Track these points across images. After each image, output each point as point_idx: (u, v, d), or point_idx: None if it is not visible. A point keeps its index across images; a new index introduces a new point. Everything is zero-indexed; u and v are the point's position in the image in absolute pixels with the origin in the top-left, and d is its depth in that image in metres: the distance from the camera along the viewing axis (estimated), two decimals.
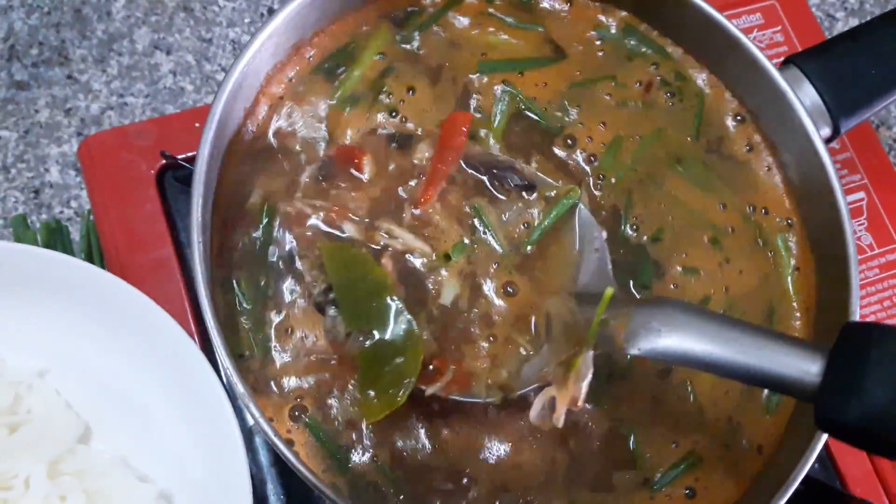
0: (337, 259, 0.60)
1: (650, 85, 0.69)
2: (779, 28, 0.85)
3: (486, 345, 0.61)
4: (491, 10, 0.69)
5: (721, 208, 0.67)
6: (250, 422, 0.71)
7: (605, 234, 0.64)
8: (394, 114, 0.66)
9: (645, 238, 0.66)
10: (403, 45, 0.68)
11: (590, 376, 0.55)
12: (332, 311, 0.60)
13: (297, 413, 0.60)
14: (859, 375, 0.48)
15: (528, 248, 0.63)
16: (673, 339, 0.53)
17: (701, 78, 0.70)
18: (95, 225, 0.77)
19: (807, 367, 0.50)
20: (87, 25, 0.96)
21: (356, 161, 0.63)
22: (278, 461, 0.70)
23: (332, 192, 0.63)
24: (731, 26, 0.65)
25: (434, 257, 0.62)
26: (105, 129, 0.87)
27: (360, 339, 0.59)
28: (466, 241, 0.63)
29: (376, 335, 0.58)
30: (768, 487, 0.57)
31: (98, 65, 0.94)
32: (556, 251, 0.63)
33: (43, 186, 0.89)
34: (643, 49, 0.70)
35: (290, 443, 0.58)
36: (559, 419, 0.56)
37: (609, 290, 0.57)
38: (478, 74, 0.68)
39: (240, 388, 0.54)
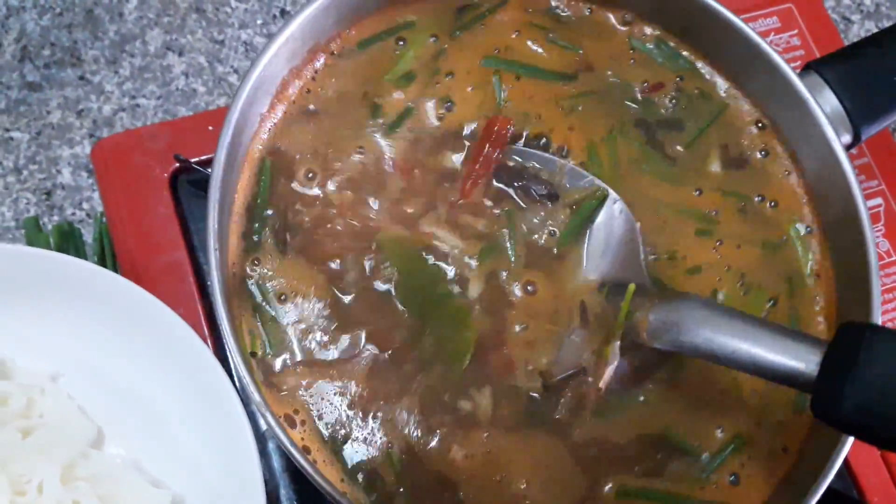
0: (396, 251, 0.63)
1: (658, 87, 0.69)
2: (796, 32, 0.84)
3: (523, 333, 0.62)
4: (535, 21, 0.69)
5: (697, 194, 0.67)
6: (263, 427, 0.71)
7: (639, 226, 0.65)
8: (447, 103, 0.67)
9: (663, 258, 0.66)
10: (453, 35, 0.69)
11: (616, 363, 0.60)
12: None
13: (312, 418, 0.59)
14: (849, 374, 0.50)
15: (560, 247, 0.64)
16: (690, 332, 0.56)
17: (724, 88, 0.69)
18: (108, 228, 0.77)
19: (807, 359, 0.53)
20: (100, 26, 0.96)
21: (406, 171, 0.65)
22: (291, 466, 0.70)
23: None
24: (751, 32, 0.64)
25: (465, 257, 0.63)
26: (118, 132, 0.87)
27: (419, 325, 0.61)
28: (497, 241, 0.64)
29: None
30: (794, 492, 0.58)
31: (110, 66, 0.94)
32: (586, 244, 0.65)
33: (55, 188, 0.88)
34: (674, 64, 0.70)
35: (305, 450, 0.58)
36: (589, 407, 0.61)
37: (631, 287, 0.60)
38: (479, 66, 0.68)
39: (256, 396, 0.54)
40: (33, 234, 0.80)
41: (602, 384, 0.60)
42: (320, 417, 0.59)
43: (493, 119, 0.66)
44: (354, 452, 0.59)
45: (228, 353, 0.56)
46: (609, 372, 0.60)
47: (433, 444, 0.60)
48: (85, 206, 0.88)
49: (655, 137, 0.68)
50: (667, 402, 0.63)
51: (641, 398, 0.62)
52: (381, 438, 0.60)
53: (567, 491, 0.61)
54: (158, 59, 0.95)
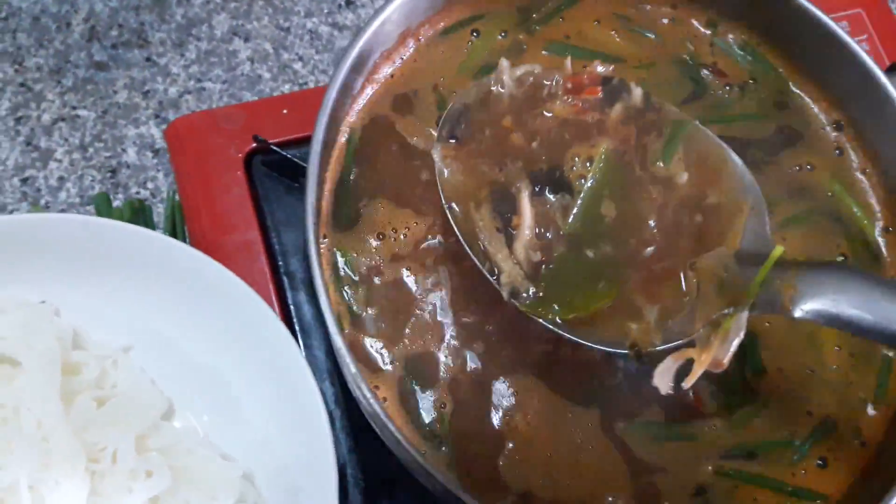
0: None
1: (721, 73, 0.69)
2: (865, 37, 0.84)
3: (630, 290, 0.58)
4: (619, 12, 0.70)
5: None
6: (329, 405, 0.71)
7: (760, 191, 0.60)
8: None
9: None
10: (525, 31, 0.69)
11: (741, 337, 0.53)
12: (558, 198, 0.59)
13: (396, 393, 0.59)
14: None
15: (661, 163, 0.61)
16: (844, 305, 0.52)
17: (801, 90, 0.70)
18: (181, 206, 0.78)
19: None
20: (167, 9, 0.97)
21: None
22: (358, 446, 0.70)
23: None
24: (842, 33, 0.65)
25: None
26: (193, 112, 0.87)
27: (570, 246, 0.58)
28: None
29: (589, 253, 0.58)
30: (874, 485, 0.58)
31: (176, 49, 0.95)
32: (714, 204, 0.61)
33: (120, 167, 0.89)
34: (754, 64, 0.70)
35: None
36: (690, 381, 0.53)
37: (779, 249, 0.54)
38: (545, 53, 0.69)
39: (352, 367, 0.54)
40: (104, 209, 0.81)
41: (725, 362, 0.52)
42: (403, 390, 0.59)
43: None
44: (435, 429, 0.59)
45: (331, 337, 0.56)
46: (732, 348, 0.52)
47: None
48: (149, 185, 0.88)
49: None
50: (750, 418, 0.62)
51: (714, 424, 0.61)
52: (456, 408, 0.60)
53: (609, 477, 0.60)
54: (224, 44, 0.96)
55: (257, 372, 0.69)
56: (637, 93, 0.62)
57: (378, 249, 0.63)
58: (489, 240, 0.58)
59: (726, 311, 0.54)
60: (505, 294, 0.57)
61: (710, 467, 0.60)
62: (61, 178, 0.88)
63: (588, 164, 0.60)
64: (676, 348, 0.54)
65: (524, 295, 0.57)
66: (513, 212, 0.59)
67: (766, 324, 0.63)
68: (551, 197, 0.60)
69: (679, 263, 0.58)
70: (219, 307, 0.69)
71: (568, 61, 0.64)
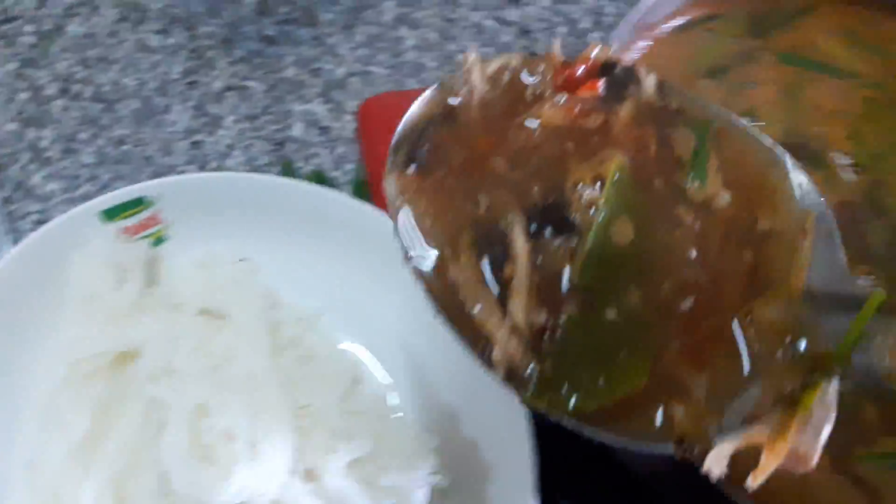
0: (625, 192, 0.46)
1: None
2: None
3: (669, 359, 0.43)
4: (851, 26, 0.71)
5: None
6: None
7: (829, 209, 0.46)
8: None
9: None
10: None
11: (831, 421, 0.39)
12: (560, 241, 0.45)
13: None
14: None
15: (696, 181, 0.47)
16: None
17: None
18: (365, 183, 0.79)
19: None
20: None
21: None
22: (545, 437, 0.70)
23: None
24: None
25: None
26: (387, 92, 0.89)
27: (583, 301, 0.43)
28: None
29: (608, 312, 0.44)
30: None
31: (344, 31, 0.97)
32: (766, 231, 0.46)
33: (286, 140, 0.91)
34: None
35: None
36: (758, 479, 0.39)
37: (879, 294, 0.40)
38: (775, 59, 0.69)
39: None
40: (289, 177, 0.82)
41: (813, 463, 0.38)
42: None
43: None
44: None
45: None
46: (822, 439, 0.38)
47: None
48: (314, 161, 0.90)
49: None
50: None
51: None
52: None
53: None
54: (391, 31, 0.97)
55: (446, 345, 0.69)
56: (649, 82, 0.50)
57: None
58: (473, 299, 0.46)
59: (805, 381, 0.40)
60: (499, 376, 0.44)
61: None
62: (229, 146, 0.90)
63: (598, 188, 0.46)
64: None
65: (525, 375, 0.43)
66: (504, 259, 0.45)
67: None
68: (553, 239, 0.45)
69: (730, 315, 0.44)
70: (410, 278, 0.70)
71: (556, 44, 0.50)
